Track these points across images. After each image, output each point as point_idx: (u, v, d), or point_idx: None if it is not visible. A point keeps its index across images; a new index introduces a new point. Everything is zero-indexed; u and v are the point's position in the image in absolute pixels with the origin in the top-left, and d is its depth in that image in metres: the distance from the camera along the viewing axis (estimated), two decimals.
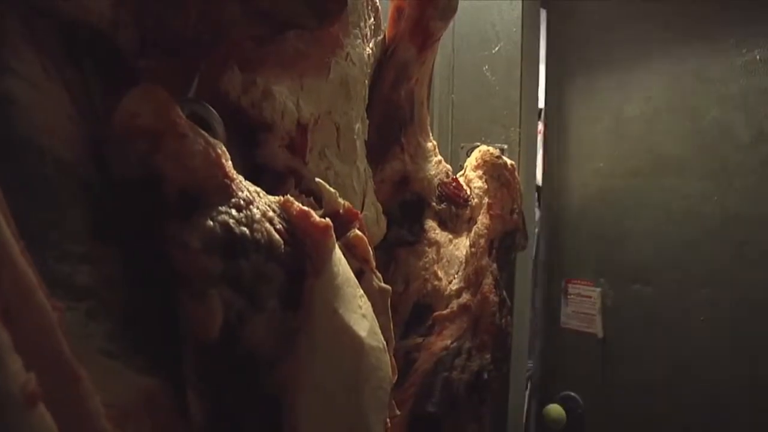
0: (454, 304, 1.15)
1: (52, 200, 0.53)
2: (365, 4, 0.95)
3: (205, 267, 0.55)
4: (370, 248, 0.73)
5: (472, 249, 1.18)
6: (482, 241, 1.19)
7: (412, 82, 1.14)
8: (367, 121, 1.00)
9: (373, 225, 1.01)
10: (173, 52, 0.61)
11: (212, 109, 0.64)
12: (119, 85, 0.57)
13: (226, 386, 0.58)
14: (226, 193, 0.58)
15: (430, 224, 1.20)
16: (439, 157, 1.24)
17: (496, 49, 1.61)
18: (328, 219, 0.63)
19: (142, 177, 0.55)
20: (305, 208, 0.63)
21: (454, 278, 1.18)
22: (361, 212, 0.96)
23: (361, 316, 0.65)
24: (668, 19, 1.92)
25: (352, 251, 0.71)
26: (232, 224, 0.56)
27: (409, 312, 1.14)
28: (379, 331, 0.68)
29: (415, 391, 1.08)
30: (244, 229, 0.57)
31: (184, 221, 0.55)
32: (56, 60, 0.55)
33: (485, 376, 1.13)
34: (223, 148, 0.59)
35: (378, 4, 1.01)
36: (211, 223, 0.55)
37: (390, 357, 0.71)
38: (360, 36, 0.94)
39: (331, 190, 0.71)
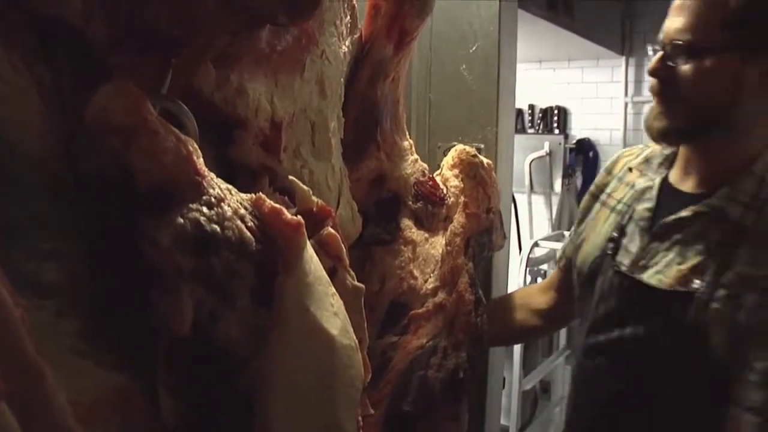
0: (430, 303, 1.16)
1: (21, 196, 0.52)
2: (341, 1, 0.95)
3: (176, 264, 0.54)
4: (343, 246, 0.73)
5: (448, 248, 1.19)
6: (458, 239, 1.20)
7: (388, 80, 1.14)
8: (343, 120, 1.00)
9: (348, 223, 1.01)
10: (145, 47, 0.60)
11: (184, 106, 0.64)
12: (91, 82, 0.56)
13: (199, 383, 0.58)
14: (197, 190, 0.57)
15: (406, 223, 1.20)
16: (416, 156, 1.24)
17: (474, 48, 1.61)
18: (299, 217, 0.63)
19: (113, 173, 0.55)
20: (277, 205, 0.63)
21: (430, 277, 1.18)
22: (336, 210, 0.96)
23: (332, 315, 0.65)
24: None
25: (325, 249, 0.71)
26: (203, 221, 0.56)
27: (385, 311, 1.15)
28: (351, 330, 0.68)
29: (391, 389, 1.08)
30: (215, 226, 0.57)
31: (155, 218, 0.55)
32: (26, 56, 0.55)
33: (461, 374, 1.13)
34: (195, 146, 0.59)
35: (354, 2, 1.01)
36: (182, 220, 0.55)
37: (363, 355, 0.71)
38: (336, 34, 0.94)
39: (304, 187, 0.71)
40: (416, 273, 1.17)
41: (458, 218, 1.22)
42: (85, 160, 0.56)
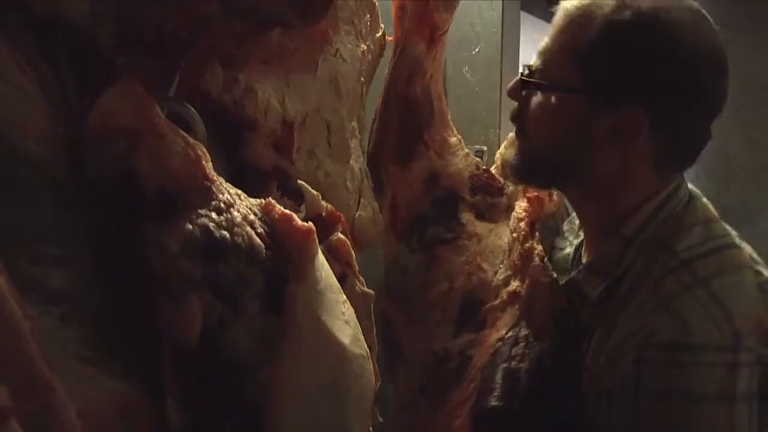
0: (504, 293, 1.10)
1: (25, 200, 0.52)
2: (359, 0, 0.94)
3: (184, 271, 0.53)
4: (353, 252, 0.72)
5: (513, 234, 1.14)
6: (522, 224, 1.14)
7: (426, 77, 1.14)
8: (364, 119, 0.99)
9: (369, 225, 1.00)
10: (152, 49, 0.60)
11: (192, 108, 0.63)
12: (96, 83, 0.55)
13: (206, 392, 0.57)
14: (206, 195, 0.56)
15: (467, 218, 1.18)
16: (466, 150, 1.21)
17: (476, 50, 1.59)
18: (310, 223, 0.62)
19: (119, 177, 0.54)
20: (287, 211, 0.61)
21: (500, 268, 1.14)
22: (356, 212, 0.94)
23: (344, 323, 0.64)
24: None
25: (334, 255, 0.69)
26: (212, 228, 0.55)
27: (458, 309, 1.12)
28: (362, 338, 0.67)
29: (476, 387, 1.04)
30: (225, 233, 0.56)
31: (162, 223, 0.54)
32: (31, 57, 0.54)
33: (547, 361, 1.05)
34: (204, 149, 0.58)
35: (374, 1, 1.00)
36: (191, 226, 0.54)
37: (373, 364, 0.70)
38: (353, 32, 0.92)
39: (314, 192, 0.70)
40: (485, 266, 1.14)
41: (519, 203, 1.19)
42: (90, 163, 0.55)
